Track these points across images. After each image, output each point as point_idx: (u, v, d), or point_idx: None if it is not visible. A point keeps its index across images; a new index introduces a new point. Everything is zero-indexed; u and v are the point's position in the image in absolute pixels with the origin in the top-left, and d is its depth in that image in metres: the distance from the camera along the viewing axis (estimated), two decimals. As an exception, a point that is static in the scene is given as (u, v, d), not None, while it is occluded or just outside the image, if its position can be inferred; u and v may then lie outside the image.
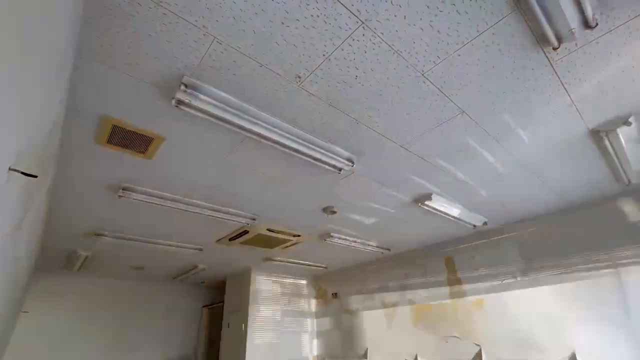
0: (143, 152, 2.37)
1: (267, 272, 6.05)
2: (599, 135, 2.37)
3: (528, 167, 2.78)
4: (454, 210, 3.46)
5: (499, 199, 3.38)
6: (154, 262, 5.17)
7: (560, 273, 3.53)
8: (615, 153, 2.55)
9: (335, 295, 6.16)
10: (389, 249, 4.94)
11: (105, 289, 6.03)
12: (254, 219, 3.50)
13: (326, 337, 6.02)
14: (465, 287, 4.28)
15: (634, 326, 2.98)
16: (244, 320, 5.49)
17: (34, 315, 5.23)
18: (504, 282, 3.94)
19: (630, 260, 3.13)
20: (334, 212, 3.41)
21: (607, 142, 2.43)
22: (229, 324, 5.88)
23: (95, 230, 3.67)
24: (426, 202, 3.18)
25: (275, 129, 2.00)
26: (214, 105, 1.73)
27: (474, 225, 3.87)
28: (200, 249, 4.50)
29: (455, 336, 4.20)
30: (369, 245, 4.66)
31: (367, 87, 1.85)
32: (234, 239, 4.13)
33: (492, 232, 4.21)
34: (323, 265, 5.94)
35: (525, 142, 2.44)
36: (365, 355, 5.20)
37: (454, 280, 4.43)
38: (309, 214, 3.51)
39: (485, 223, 3.93)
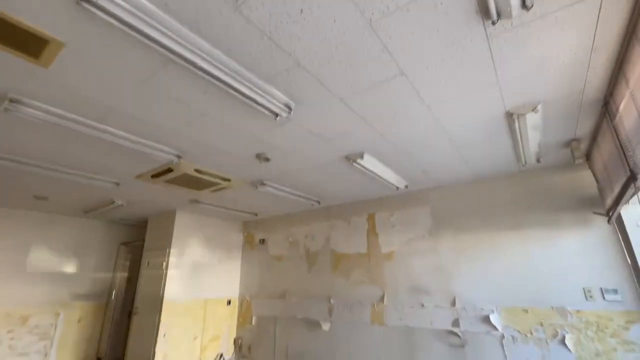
0: (36, 57, 1.93)
1: (193, 214, 5.87)
2: (512, 117, 2.64)
3: (450, 137, 3.01)
4: (382, 171, 3.67)
5: (421, 165, 3.67)
6: (61, 193, 4.58)
7: (458, 234, 4.10)
8: (521, 136, 2.90)
9: (262, 241, 6.32)
10: (318, 202, 5.14)
11: (1, 217, 5.24)
12: (179, 157, 3.25)
13: (249, 279, 6.26)
14: (381, 240, 4.74)
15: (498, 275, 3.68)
16: (165, 260, 5.36)
17: None
18: (413, 238, 4.45)
19: (508, 231, 3.77)
20: (267, 160, 3.34)
21: (517, 125, 2.73)
22: (148, 262, 5.69)
23: (-26, 148, 3.04)
24: (358, 160, 3.30)
25: (205, 56, 1.77)
26: (128, 11, 1.43)
27: (397, 187, 4.19)
28: (117, 184, 4.09)
29: (364, 282, 4.71)
30: (300, 196, 4.76)
31: (311, 26, 1.72)
32: (157, 177, 3.83)
33: (410, 195, 4.63)
34: (253, 212, 5.96)
35: (453, 113, 2.60)
36: (283, 295, 5.58)
37: (372, 234, 4.86)
38: (241, 159, 3.38)
39: (406, 186, 4.29)
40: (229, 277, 6.23)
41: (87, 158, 3.33)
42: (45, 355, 5.39)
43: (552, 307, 3.33)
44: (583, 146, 3.19)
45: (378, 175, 3.70)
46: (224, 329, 5.90)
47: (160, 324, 4.98)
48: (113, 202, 5.04)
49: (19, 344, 5.15)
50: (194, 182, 4.06)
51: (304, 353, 5.01)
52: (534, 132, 2.84)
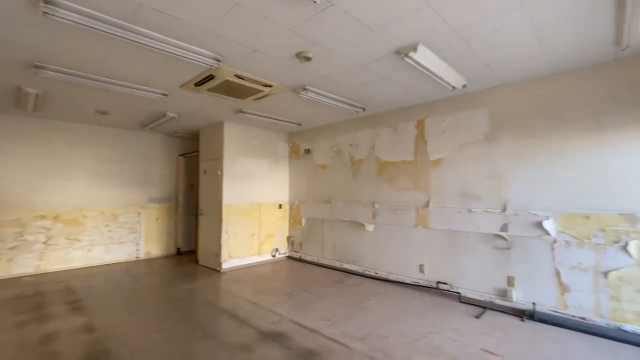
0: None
1: (240, 125, 6.00)
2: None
3: (531, 16, 2.44)
4: (438, 67, 3.22)
5: (486, 58, 3.13)
6: (119, 106, 4.86)
7: (520, 138, 3.71)
8: (633, 7, 2.23)
9: (307, 151, 6.42)
10: (363, 108, 4.87)
11: (73, 132, 5.86)
12: (218, 61, 3.11)
13: (297, 186, 6.63)
14: (430, 147, 4.51)
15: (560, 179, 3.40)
16: (219, 168, 5.78)
17: (5, 154, 5.15)
18: (466, 144, 4.15)
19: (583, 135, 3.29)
20: (309, 59, 3.07)
21: (629, -10, 2.08)
22: (205, 170, 6.20)
23: (32, 62, 3.18)
24: (410, 54, 2.89)
25: None
26: None
27: (453, 87, 3.73)
28: (165, 94, 4.18)
29: (409, 188, 4.70)
30: (344, 103, 4.52)
31: None
32: (200, 85, 3.81)
33: (467, 97, 4.15)
34: (297, 122, 5.91)
35: (539, -22, 2.03)
36: (330, 200, 5.88)
37: (420, 141, 4.63)
38: (281, 60, 3.15)
39: (464, 86, 3.80)
40: (278, 184, 6.64)
41: (130, 67, 3.35)
42: (137, 244, 6.60)
43: (620, 214, 3.06)
44: None
45: (432, 73, 3.28)
46: (277, 229, 6.58)
47: (222, 223, 5.67)
48: (165, 115, 5.27)
49: (115, 235, 6.31)
50: (236, 90, 3.99)
51: (350, 249, 5.49)
52: (651, -1, 2.16)
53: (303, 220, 6.42)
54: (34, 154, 5.46)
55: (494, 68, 3.38)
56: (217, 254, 5.69)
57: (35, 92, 4.03)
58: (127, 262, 6.34)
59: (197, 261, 6.28)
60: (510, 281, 3.70)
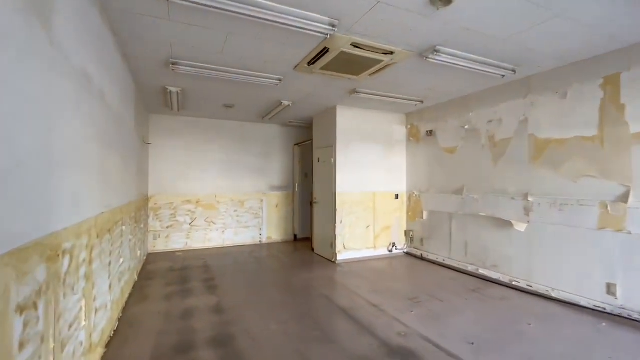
0: None
1: (353, 108, 5.57)
2: None
3: None
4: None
5: None
6: (241, 99, 5.11)
7: None
8: None
9: (430, 133, 5.51)
10: (513, 70, 3.70)
11: (206, 127, 6.59)
12: (333, 27, 2.68)
13: (417, 175, 5.82)
14: (630, 114, 3.06)
15: None
16: (332, 155, 5.51)
17: (158, 147, 6.16)
18: None
19: None
20: (449, 1, 2.31)
21: None
22: (318, 159, 6.06)
23: (169, 59, 3.44)
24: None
25: None
26: None
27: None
28: (280, 79, 4.06)
29: (591, 175, 3.34)
30: (486, 65, 3.50)
31: None
32: (313, 63, 3.49)
33: None
34: (418, 99, 5.09)
35: None
36: (460, 191, 4.88)
37: (612, 107, 3.20)
38: (410, 10, 2.49)
39: None
40: (394, 172, 5.98)
41: (247, 55, 3.27)
42: (260, 228, 7.06)
43: None
44: None
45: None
46: (394, 221, 5.95)
47: (337, 212, 5.41)
48: (281, 103, 5.29)
49: (242, 219, 6.88)
50: (351, 64, 3.52)
51: (489, 252, 4.42)
52: None
53: (425, 214, 5.59)
54: (179, 147, 6.35)
55: None
56: (332, 244, 5.49)
57: (176, 90, 4.51)
58: (252, 244, 6.85)
59: (312, 249, 6.27)
60: None
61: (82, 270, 1.97)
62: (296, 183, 7.42)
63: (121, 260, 3.26)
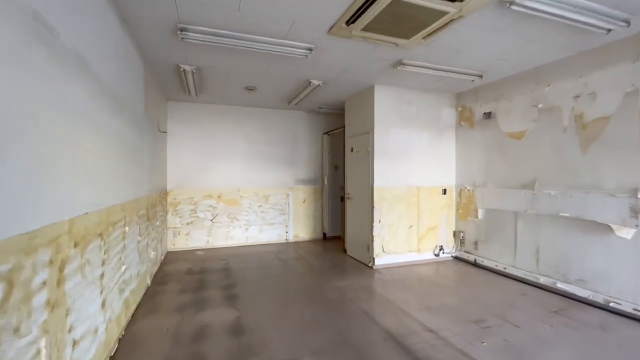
0: None
1: (394, 87, 4.75)
2: None
3: None
4: None
5: None
6: (264, 80, 4.45)
7: None
8: None
9: (488, 115, 4.58)
10: (627, 21, 2.73)
11: (227, 114, 6.02)
12: (389, -45, 1.90)
13: (469, 165, 4.91)
14: None
15: None
16: (369, 143, 4.73)
17: (176, 137, 5.67)
18: None
19: None
20: None
21: None
22: (352, 148, 5.30)
23: (177, 24, 2.82)
24: None
25: None
26: None
27: None
28: (310, 49, 3.33)
29: None
30: (592, 13, 2.57)
31: None
32: (353, 21, 2.73)
33: None
34: (477, 73, 4.17)
35: None
36: (530, 185, 3.95)
37: None
38: None
39: None
40: (441, 163, 5.10)
41: (271, 15, 2.56)
42: (286, 226, 6.44)
43: None
44: None
45: None
46: (441, 220, 5.10)
47: (374, 210, 4.65)
48: (310, 83, 4.57)
49: (267, 216, 6.28)
50: (404, 21, 2.72)
51: (573, 262, 3.49)
52: None
53: (480, 212, 4.70)
54: (198, 137, 5.82)
55: None
56: (369, 247, 4.74)
57: (191, 69, 3.92)
58: (277, 243, 6.25)
59: (344, 250, 5.57)
60: None
61: (40, 298, 1.39)
62: (325, 176, 6.71)
63: (123, 268, 2.72)
